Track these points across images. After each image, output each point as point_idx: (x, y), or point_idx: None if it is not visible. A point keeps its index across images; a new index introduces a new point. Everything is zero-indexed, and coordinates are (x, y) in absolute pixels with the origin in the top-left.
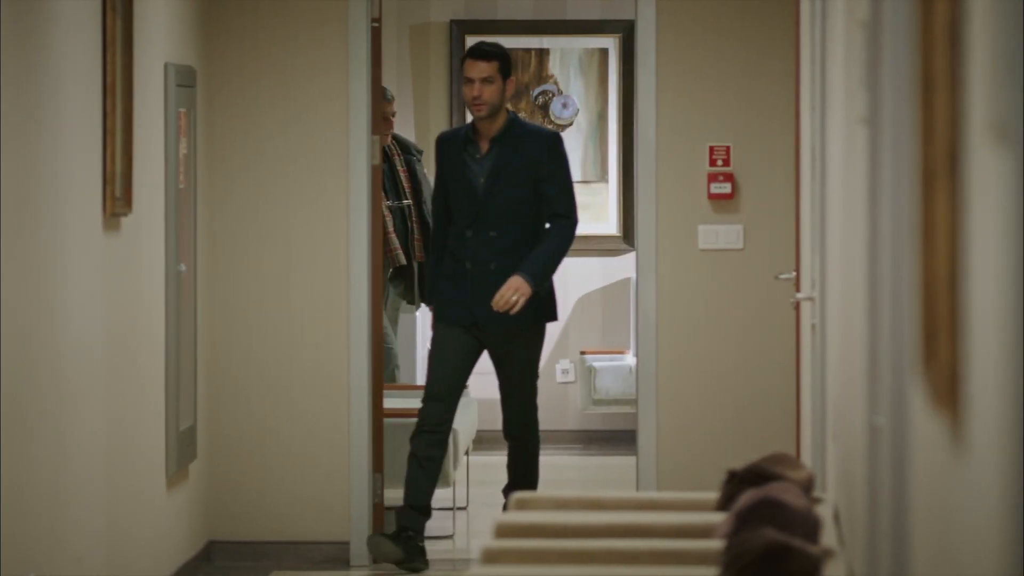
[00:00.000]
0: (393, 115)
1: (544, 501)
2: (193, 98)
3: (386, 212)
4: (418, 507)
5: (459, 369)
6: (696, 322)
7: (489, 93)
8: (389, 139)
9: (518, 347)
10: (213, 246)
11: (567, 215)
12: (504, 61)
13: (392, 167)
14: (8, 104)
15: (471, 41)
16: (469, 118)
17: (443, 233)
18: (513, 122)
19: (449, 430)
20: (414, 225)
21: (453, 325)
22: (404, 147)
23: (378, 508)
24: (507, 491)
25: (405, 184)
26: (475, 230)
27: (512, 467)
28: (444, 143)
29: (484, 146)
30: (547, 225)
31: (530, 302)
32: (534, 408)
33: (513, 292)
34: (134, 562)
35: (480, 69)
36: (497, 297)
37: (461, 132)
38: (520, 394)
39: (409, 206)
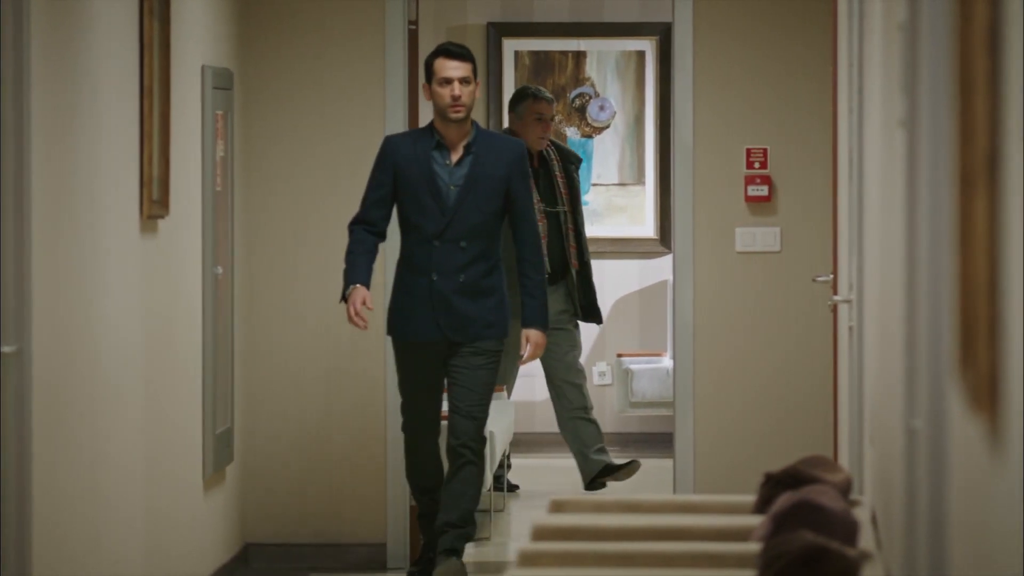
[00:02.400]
0: (552, 119)
1: (581, 504)
2: (230, 101)
3: (539, 216)
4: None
5: (433, 389)
6: (733, 324)
7: (467, 95)
8: (546, 143)
9: (481, 348)
10: (250, 248)
11: (534, 236)
12: (475, 62)
13: (549, 172)
14: (46, 107)
15: (508, 44)
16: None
17: (373, 242)
18: (479, 128)
19: (437, 448)
20: (570, 232)
21: (417, 345)
22: (564, 154)
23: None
24: (442, 529)
25: (563, 191)
26: (444, 240)
27: (450, 486)
28: (398, 146)
29: (455, 153)
30: (513, 233)
31: (499, 317)
32: (485, 415)
33: (540, 350)
34: (171, 564)
35: (459, 69)
36: (527, 359)
37: (424, 136)
38: (476, 387)
39: (565, 212)
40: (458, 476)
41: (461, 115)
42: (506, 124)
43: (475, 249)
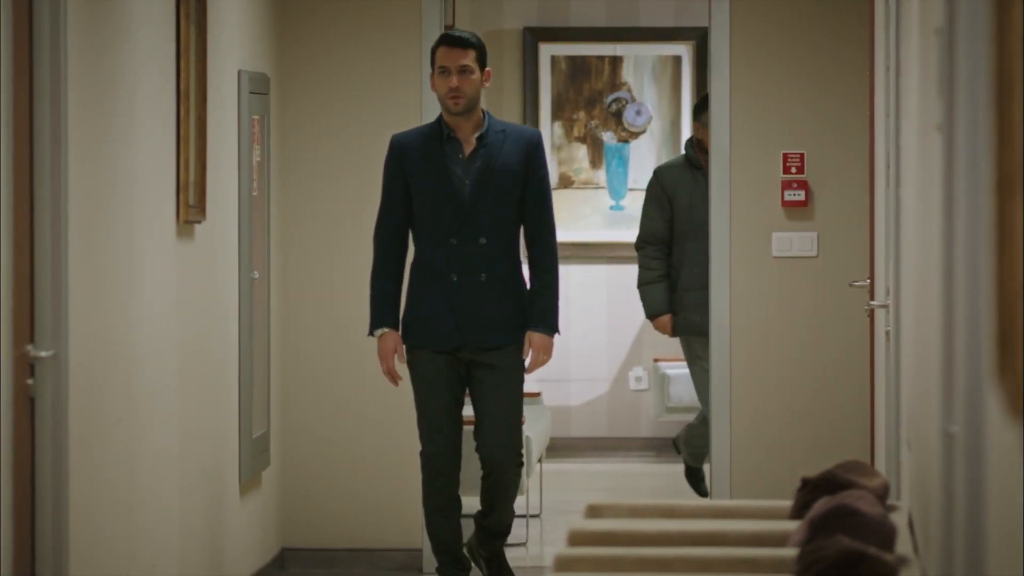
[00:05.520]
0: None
1: (618, 509)
2: (266, 105)
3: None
4: (457, 558)
5: (454, 406)
6: (770, 330)
7: (467, 84)
8: None
9: (506, 361)
10: (286, 253)
11: (548, 233)
12: (481, 51)
13: None
14: (82, 112)
15: (545, 49)
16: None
17: (397, 253)
18: (492, 119)
19: (459, 472)
20: None
21: (435, 353)
22: None
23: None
24: (481, 541)
25: None
26: (461, 238)
27: (486, 501)
28: (405, 144)
29: (467, 146)
30: (526, 228)
31: (518, 318)
32: (519, 428)
33: (545, 355)
34: (208, 569)
35: (457, 57)
36: (531, 366)
37: (433, 130)
38: (506, 411)
39: None
40: (497, 490)
41: (459, 107)
42: (547, 132)
43: (497, 247)
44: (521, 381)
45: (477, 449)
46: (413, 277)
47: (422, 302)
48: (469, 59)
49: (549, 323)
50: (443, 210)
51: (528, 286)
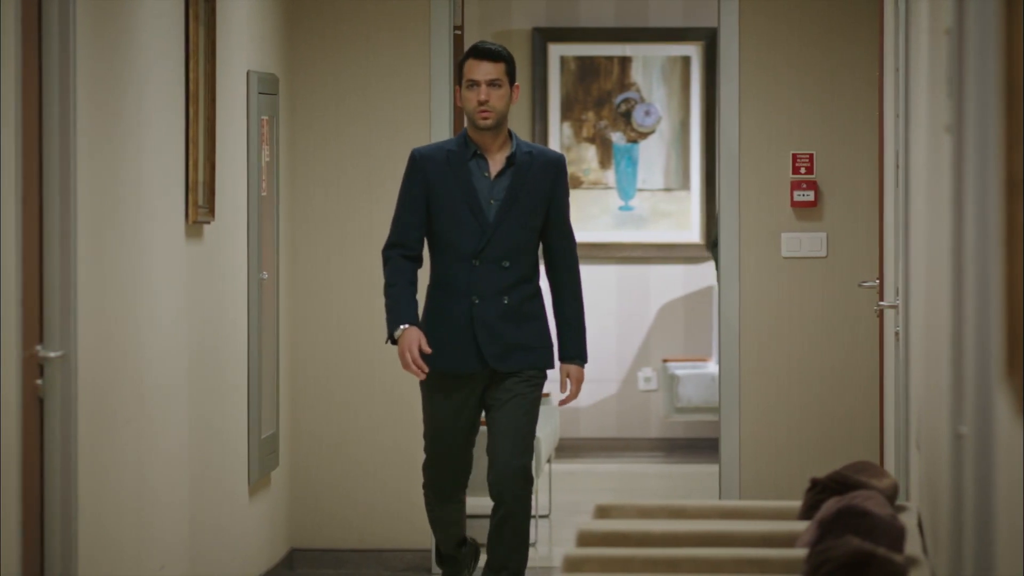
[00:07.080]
0: None
1: (626, 509)
2: (275, 106)
3: None
4: (459, 559)
5: (464, 431)
6: (779, 330)
7: (497, 99)
8: None
9: (523, 385)
10: (295, 254)
11: (573, 257)
12: (511, 64)
13: None
14: (92, 113)
15: (554, 49)
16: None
17: (412, 267)
18: (518, 139)
19: (464, 494)
20: None
21: (455, 377)
22: None
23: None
24: None
25: None
26: (484, 260)
27: (499, 540)
28: (429, 159)
29: (494, 165)
30: (548, 254)
31: (545, 344)
32: (531, 456)
33: (580, 388)
34: (217, 569)
35: (487, 70)
36: (569, 399)
37: (459, 146)
38: (522, 435)
39: None
40: (506, 528)
41: (489, 122)
42: (556, 133)
43: (519, 270)
44: (537, 403)
45: (488, 478)
46: (431, 297)
47: (442, 323)
48: (499, 72)
49: (583, 354)
50: (467, 230)
51: (546, 311)
